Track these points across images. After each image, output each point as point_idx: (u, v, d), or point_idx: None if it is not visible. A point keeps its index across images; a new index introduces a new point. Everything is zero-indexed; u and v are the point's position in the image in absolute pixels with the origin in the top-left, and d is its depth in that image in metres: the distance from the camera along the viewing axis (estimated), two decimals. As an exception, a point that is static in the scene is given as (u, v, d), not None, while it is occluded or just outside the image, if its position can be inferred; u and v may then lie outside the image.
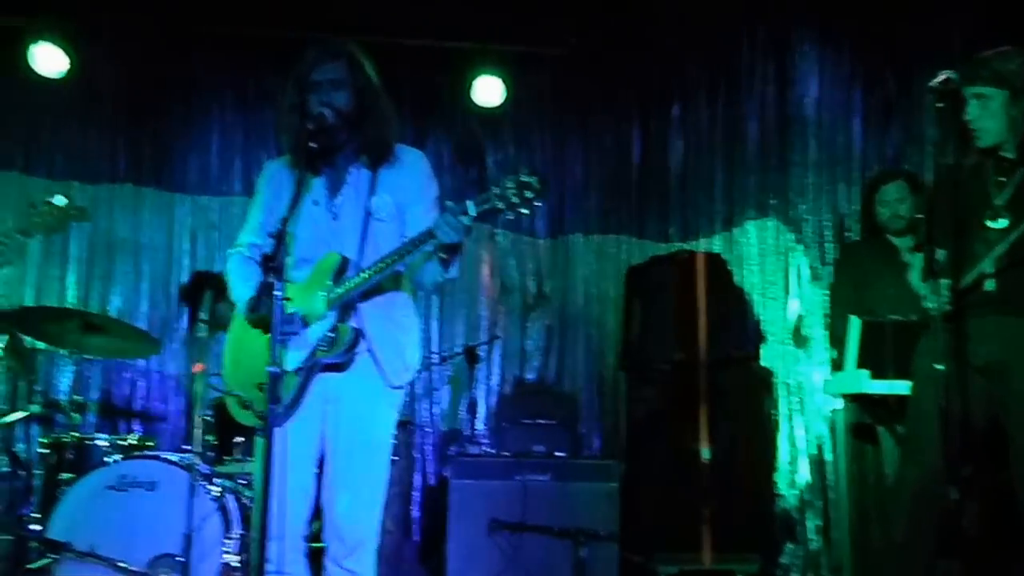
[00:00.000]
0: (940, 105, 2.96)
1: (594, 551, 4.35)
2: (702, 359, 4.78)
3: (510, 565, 4.36)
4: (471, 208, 2.48)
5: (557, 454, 4.68)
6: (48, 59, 5.10)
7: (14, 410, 4.73)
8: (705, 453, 4.68)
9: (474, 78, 5.37)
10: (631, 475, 4.79)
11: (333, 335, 2.64)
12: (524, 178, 2.44)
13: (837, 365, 4.22)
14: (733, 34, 5.55)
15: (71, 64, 5.18)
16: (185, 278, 5.55)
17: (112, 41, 5.44)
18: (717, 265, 5.05)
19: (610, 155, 5.91)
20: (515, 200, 2.44)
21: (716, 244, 5.54)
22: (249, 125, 5.70)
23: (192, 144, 5.66)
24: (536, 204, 2.46)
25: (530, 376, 5.72)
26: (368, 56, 2.83)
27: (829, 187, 5.28)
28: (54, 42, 5.07)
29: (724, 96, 5.65)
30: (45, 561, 3.65)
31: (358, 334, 2.66)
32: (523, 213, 2.48)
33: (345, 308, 2.67)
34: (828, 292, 4.93)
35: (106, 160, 5.58)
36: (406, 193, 2.79)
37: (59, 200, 3.39)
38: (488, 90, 5.41)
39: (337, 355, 2.65)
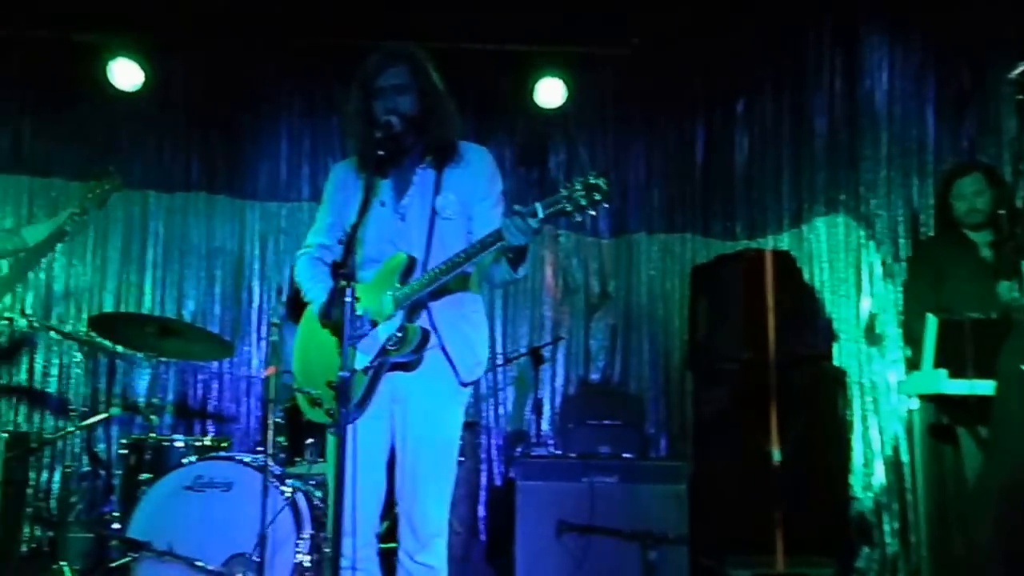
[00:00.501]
0: (1020, 97, 2.87)
1: (663, 554, 4.32)
2: (771, 358, 4.69)
3: (578, 567, 4.35)
4: (539, 210, 2.49)
5: (624, 455, 4.65)
6: (125, 73, 5.26)
7: (95, 412, 4.89)
8: (776, 454, 4.60)
9: (536, 80, 5.38)
10: (699, 477, 4.75)
11: (401, 334, 2.67)
12: (592, 180, 2.44)
13: (913, 364, 4.11)
14: (799, 26, 5.45)
15: (146, 78, 5.34)
16: (256, 283, 5.67)
17: (184, 55, 5.61)
18: (786, 263, 4.97)
19: (674, 153, 5.88)
20: (583, 202, 2.45)
21: (784, 241, 5.46)
22: (316, 132, 5.79)
23: (261, 152, 5.78)
24: (603, 206, 2.46)
25: (595, 376, 5.70)
26: (430, 58, 2.86)
27: (901, 181, 5.12)
28: (130, 57, 5.22)
29: (791, 90, 5.55)
30: (125, 559, 3.76)
31: (426, 334, 2.69)
32: (590, 215, 2.49)
33: (413, 308, 2.70)
34: (902, 289, 4.81)
35: (180, 169, 5.73)
36: (471, 190, 2.82)
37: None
38: (550, 91, 5.42)
39: (405, 354, 2.68)
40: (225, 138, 5.77)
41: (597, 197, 2.44)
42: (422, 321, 2.72)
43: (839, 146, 5.34)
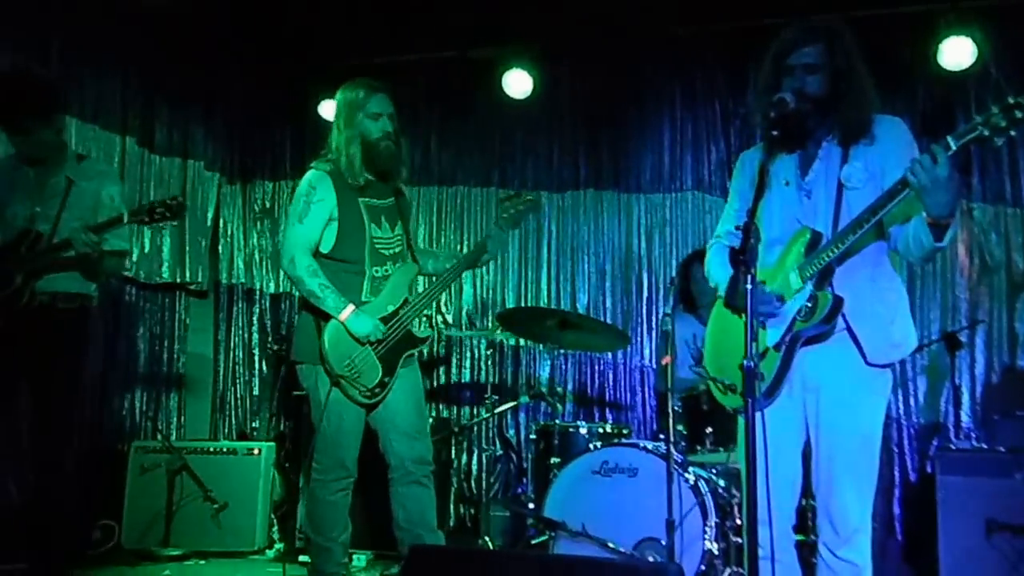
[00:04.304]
0: None
1: (1124, 562, 3.77)
2: None
3: (1014, 569, 3.96)
4: (951, 143, 2.29)
5: (1066, 451, 4.13)
6: (517, 82, 5.62)
7: (504, 400, 5.28)
8: None
9: (941, 41, 4.90)
10: None
11: (811, 304, 2.57)
12: (1012, 100, 2.19)
13: None
14: None
15: (534, 84, 5.66)
16: (645, 274, 5.77)
17: (570, 58, 5.87)
18: None
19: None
20: (1002, 124, 2.20)
21: None
22: (697, 120, 5.76)
23: (645, 145, 5.87)
24: None
25: (1023, 363, 5.09)
26: (852, 35, 2.71)
27: None
28: (521, 67, 5.57)
29: None
30: (543, 537, 4.01)
31: (838, 300, 2.55)
32: (1011, 135, 2.23)
33: (822, 278, 2.59)
34: None
35: (569, 169, 6.01)
36: (882, 160, 2.64)
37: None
38: (957, 52, 4.91)
39: (816, 325, 2.57)
40: (610, 134, 5.94)
41: (1019, 115, 2.18)
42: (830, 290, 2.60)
43: None
